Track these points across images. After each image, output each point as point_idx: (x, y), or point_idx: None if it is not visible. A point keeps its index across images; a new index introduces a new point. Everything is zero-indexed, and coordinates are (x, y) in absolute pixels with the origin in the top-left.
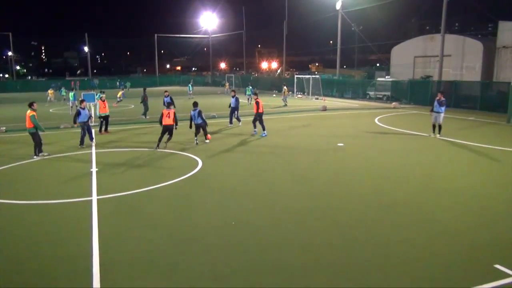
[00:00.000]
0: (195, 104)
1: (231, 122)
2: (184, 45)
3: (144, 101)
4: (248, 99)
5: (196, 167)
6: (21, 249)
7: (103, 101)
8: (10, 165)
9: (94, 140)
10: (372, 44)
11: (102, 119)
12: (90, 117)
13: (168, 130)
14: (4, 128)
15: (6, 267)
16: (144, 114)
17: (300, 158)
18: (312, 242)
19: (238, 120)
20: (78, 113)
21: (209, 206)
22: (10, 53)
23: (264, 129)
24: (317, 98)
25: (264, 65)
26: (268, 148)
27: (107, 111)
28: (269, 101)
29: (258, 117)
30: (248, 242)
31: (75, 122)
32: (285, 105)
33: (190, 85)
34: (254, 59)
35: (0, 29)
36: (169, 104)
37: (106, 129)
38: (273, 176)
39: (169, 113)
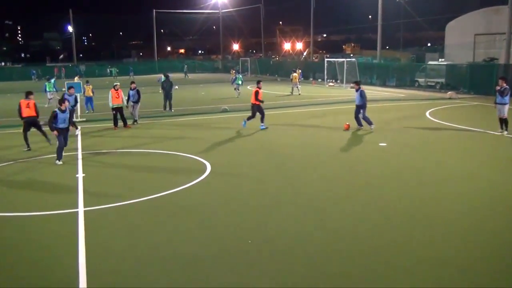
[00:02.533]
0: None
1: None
2: (189, 23)
3: (168, 90)
4: (237, 89)
5: (204, 172)
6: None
7: (117, 90)
8: None
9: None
10: (422, 20)
11: (114, 111)
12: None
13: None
14: None
15: None
16: (170, 106)
17: (333, 161)
18: (358, 265)
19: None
20: (55, 116)
21: (219, 219)
22: None
23: (262, 121)
24: (352, 87)
25: (286, 46)
26: (294, 149)
27: (121, 102)
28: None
29: (257, 108)
30: (267, 267)
31: (52, 129)
32: (296, 94)
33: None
34: (274, 39)
35: None
36: (28, 93)
37: (125, 123)
38: (304, 180)
39: (28, 103)
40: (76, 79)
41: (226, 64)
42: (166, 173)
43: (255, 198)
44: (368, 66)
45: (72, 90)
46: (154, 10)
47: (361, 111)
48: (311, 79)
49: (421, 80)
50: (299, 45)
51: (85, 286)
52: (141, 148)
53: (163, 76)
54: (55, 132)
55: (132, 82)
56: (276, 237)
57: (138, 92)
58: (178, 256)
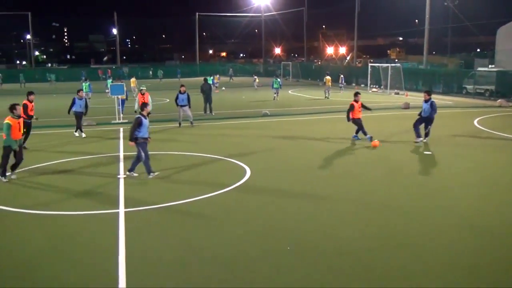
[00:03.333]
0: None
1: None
2: (231, 26)
3: (208, 93)
4: (275, 93)
5: (243, 176)
6: (36, 266)
7: (143, 94)
8: (28, 168)
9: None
10: (472, 24)
11: None
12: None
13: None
14: None
15: (19, 285)
16: (210, 110)
17: (375, 170)
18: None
19: None
20: (139, 123)
21: (257, 224)
22: (28, 37)
23: (358, 133)
24: (397, 93)
25: (329, 50)
26: (337, 154)
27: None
28: (337, 96)
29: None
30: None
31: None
32: (327, 97)
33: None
34: (317, 43)
35: (18, 8)
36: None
37: None
38: (344, 185)
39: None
40: (133, 81)
41: (268, 68)
42: (205, 176)
43: (294, 204)
44: (413, 72)
45: (81, 93)
46: (197, 13)
47: (429, 125)
48: (353, 84)
49: (469, 87)
50: (342, 50)
51: (124, 287)
52: (180, 150)
53: (210, 78)
54: (132, 143)
55: (182, 85)
56: (317, 242)
57: (188, 95)
58: (216, 259)
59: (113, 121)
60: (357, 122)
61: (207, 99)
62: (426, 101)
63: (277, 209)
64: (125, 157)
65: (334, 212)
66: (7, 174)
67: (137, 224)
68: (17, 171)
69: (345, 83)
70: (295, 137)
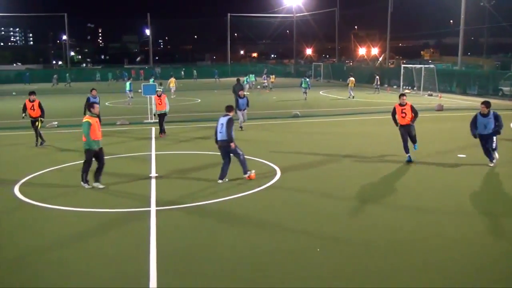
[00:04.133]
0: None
1: None
2: (263, 27)
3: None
4: (305, 92)
5: (273, 177)
6: (69, 262)
7: (159, 96)
8: (62, 165)
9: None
10: (508, 24)
11: (158, 118)
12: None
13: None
14: (56, 123)
15: (53, 281)
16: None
17: (408, 174)
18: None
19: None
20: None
21: (286, 225)
22: (64, 37)
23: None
24: (430, 95)
25: (361, 51)
26: (366, 157)
27: (164, 108)
28: (370, 97)
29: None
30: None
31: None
32: (351, 97)
33: (251, 75)
34: (348, 44)
35: (55, 9)
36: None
37: (162, 130)
38: (375, 188)
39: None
40: (172, 81)
41: (299, 68)
42: (236, 176)
43: (324, 206)
44: (447, 73)
45: (94, 92)
46: (229, 14)
47: (494, 139)
48: (386, 85)
49: (505, 89)
50: (375, 50)
51: (155, 286)
52: (212, 150)
53: (251, 75)
54: (234, 144)
55: (241, 90)
56: (348, 243)
57: (247, 100)
58: (246, 259)
59: (145, 121)
60: (402, 131)
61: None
62: (484, 115)
63: (308, 210)
64: (157, 156)
65: (364, 213)
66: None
67: (168, 223)
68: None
69: (380, 86)
70: (326, 138)
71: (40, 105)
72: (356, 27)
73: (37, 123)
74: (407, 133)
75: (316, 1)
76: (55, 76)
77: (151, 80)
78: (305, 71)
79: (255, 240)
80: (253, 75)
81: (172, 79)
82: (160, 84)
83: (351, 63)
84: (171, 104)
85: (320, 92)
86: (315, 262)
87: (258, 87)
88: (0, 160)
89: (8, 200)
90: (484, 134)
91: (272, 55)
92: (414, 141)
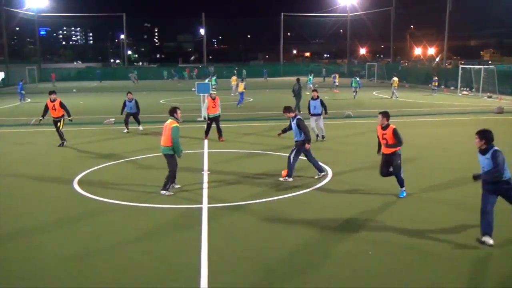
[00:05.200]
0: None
1: None
2: (316, 27)
3: (298, 93)
4: (355, 92)
5: (325, 178)
6: (121, 256)
7: (213, 98)
8: (118, 161)
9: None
10: None
11: (209, 121)
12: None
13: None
14: (113, 119)
15: (109, 275)
16: (297, 109)
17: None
18: None
19: None
20: (124, 105)
21: (335, 227)
22: (122, 36)
23: None
24: (489, 96)
25: (417, 51)
26: (422, 159)
27: (217, 111)
28: (426, 99)
29: None
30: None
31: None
32: (394, 97)
33: (310, 77)
34: (404, 44)
35: (114, 9)
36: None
37: (219, 134)
38: (438, 192)
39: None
40: (233, 79)
41: (352, 68)
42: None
43: (376, 211)
44: (509, 75)
45: (130, 95)
46: (282, 14)
47: None
48: (442, 86)
49: None
50: (431, 50)
51: (206, 286)
52: (265, 150)
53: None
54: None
55: (314, 90)
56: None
57: (322, 102)
58: (292, 260)
59: (198, 119)
60: (382, 159)
61: (298, 99)
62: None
63: (359, 210)
64: (210, 154)
65: (423, 213)
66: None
67: (219, 221)
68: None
69: (437, 87)
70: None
71: (61, 105)
72: (412, 26)
73: (59, 123)
74: (387, 164)
75: (371, 0)
76: (131, 74)
77: (213, 78)
78: (357, 71)
79: (303, 241)
80: (337, 74)
81: (234, 77)
82: (214, 75)
83: (406, 63)
84: (230, 103)
85: (374, 93)
86: (367, 265)
87: (316, 85)
88: (62, 154)
89: (67, 193)
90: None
91: (325, 55)
92: (395, 175)
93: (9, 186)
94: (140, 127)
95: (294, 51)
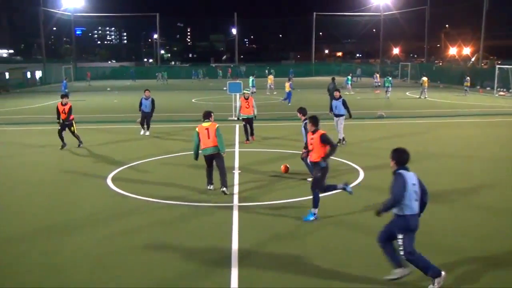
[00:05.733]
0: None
1: None
2: (348, 26)
3: (332, 92)
4: (387, 91)
5: (356, 178)
6: (152, 251)
7: (247, 98)
8: (152, 159)
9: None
10: None
11: (244, 122)
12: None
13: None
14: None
15: (140, 270)
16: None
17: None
18: None
19: None
20: (140, 103)
21: (364, 226)
22: (155, 36)
23: None
24: None
25: (452, 50)
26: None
27: (251, 112)
28: (457, 99)
29: None
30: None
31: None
32: (423, 97)
33: (348, 77)
34: (438, 43)
35: (148, 9)
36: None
37: (251, 133)
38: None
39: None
40: (270, 78)
41: (385, 68)
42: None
43: None
44: None
45: (147, 93)
46: (314, 13)
47: None
48: (478, 87)
49: None
50: (467, 50)
51: (236, 285)
52: (294, 149)
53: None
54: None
55: (336, 90)
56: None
57: (344, 103)
58: (323, 257)
59: (229, 118)
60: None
61: (331, 98)
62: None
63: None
64: (240, 153)
65: (452, 215)
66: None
67: (250, 218)
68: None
69: (470, 87)
70: (408, 141)
71: (70, 110)
72: (447, 25)
73: (72, 127)
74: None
75: None
76: (158, 73)
77: (251, 79)
78: (390, 71)
79: (334, 239)
80: (378, 74)
81: (270, 76)
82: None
83: (440, 63)
84: (264, 102)
85: (407, 93)
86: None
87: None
88: (98, 150)
89: (102, 189)
90: None
91: (358, 55)
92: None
93: (47, 180)
94: (147, 133)
95: (326, 51)
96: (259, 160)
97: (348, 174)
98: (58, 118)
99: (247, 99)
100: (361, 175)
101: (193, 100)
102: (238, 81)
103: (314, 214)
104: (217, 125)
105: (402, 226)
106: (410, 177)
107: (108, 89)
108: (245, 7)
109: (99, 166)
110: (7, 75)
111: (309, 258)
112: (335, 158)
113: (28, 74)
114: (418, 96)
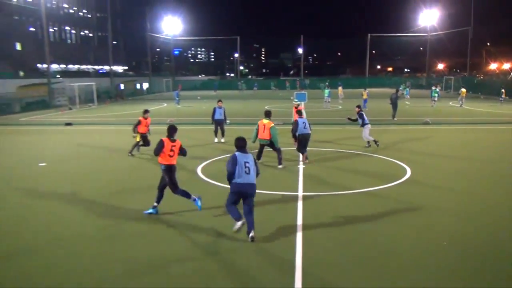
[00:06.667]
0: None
1: None
2: (398, 45)
3: (395, 101)
4: (433, 101)
5: (403, 176)
6: (221, 235)
7: (296, 107)
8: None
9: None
10: None
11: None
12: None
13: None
14: (228, 121)
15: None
16: (393, 115)
17: None
18: None
19: None
20: (213, 112)
21: (418, 221)
22: (236, 55)
23: None
24: None
25: (492, 66)
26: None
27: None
28: (495, 109)
29: None
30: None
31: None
32: (460, 106)
33: (404, 87)
34: (480, 59)
35: (230, 33)
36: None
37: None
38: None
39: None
40: (340, 89)
41: (430, 81)
42: (372, 172)
43: (453, 206)
44: None
45: (220, 103)
46: (369, 35)
47: None
48: None
49: None
50: (506, 66)
51: (300, 282)
52: (349, 149)
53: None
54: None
55: (357, 107)
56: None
57: (360, 114)
58: (382, 246)
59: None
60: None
61: (394, 107)
62: None
63: (437, 207)
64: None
65: (494, 213)
66: None
67: (313, 207)
68: None
69: (503, 98)
70: (453, 145)
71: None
72: (488, 43)
73: (147, 138)
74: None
75: (450, 19)
76: (240, 83)
77: (326, 91)
78: (435, 84)
79: (390, 231)
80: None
81: (340, 88)
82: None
83: (481, 77)
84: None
85: (450, 103)
86: (448, 261)
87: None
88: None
89: (192, 176)
90: None
91: (406, 69)
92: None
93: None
94: (222, 139)
95: (378, 66)
96: (321, 156)
97: (396, 172)
98: (135, 130)
99: (297, 107)
100: (408, 172)
101: (265, 107)
102: (303, 92)
103: (154, 208)
104: (272, 125)
105: (232, 189)
106: (243, 156)
107: (198, 97)
108: (310, 29)
109: (189, 160)
110: (122, 86)
111: (367, 244)
112: (386, 158)
113: (138, 85)
114: (459, 105)
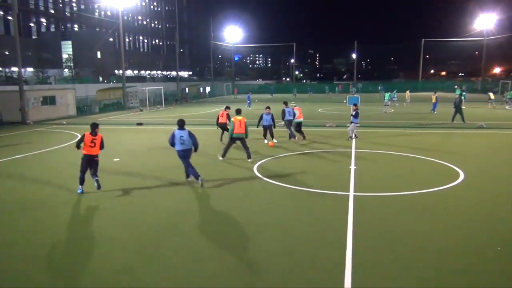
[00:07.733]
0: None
1: None
2: (452, 49)
3: (458, 105)
4: (491, 103)
5: (457, 179)
6: (260, 232)
7: (355, 107)
8: (285, 155)
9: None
10: None
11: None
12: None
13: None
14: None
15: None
16: (452, 119)
17: None
18: None
19: None
20: (260, 117)
21: (468, 223)
22: (292, 60)
23: None
24: None
25: None
26: None
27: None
28: None
29: None
30: None
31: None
32: (493, 107)
33: (459, 90)
34: None
35: (286, 40)
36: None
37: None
38: None
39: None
40: (407, 93)
41: (485, 85)
42: (424, 174)
43: (507, 211)
44: None
45: (268, 110)
46: (423, 40)
47: None
48: None
49: None
50: None
51: (350, 281)
52: (401, 151)
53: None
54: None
55: (461, 102)
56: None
57: (357, 113)
58: (425, 246)
59: (347, 124)
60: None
61: (457, 110)
62: None
63: (489, 212)
64: (356, 153)
65: None
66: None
67: (364, 206)
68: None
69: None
70: (509, 150)
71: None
72: None
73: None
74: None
75: (508, 23)
76: (294, 89)
77: (387, 94)
78: (490, 88)
79: (440, 234)
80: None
81: (407, 92)
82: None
83: None
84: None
85: (506, 107)
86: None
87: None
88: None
89: (249, 174)
90: None
91: (460, 74)
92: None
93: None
94: (275, 140)
95: (432, 71)
96: (372, 158)
97: (449, 175)
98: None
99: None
100: (462, 176)
101: (319, 110)
102: (356, 95)
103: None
104: (245, 120)
105: (178, 155)
106: (179, 132)
107: (256, 100)
108: (364, 34)
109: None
110: (187, 90)
111: (414, 246)
112: (439, 161)
113: (201, 89)
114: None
